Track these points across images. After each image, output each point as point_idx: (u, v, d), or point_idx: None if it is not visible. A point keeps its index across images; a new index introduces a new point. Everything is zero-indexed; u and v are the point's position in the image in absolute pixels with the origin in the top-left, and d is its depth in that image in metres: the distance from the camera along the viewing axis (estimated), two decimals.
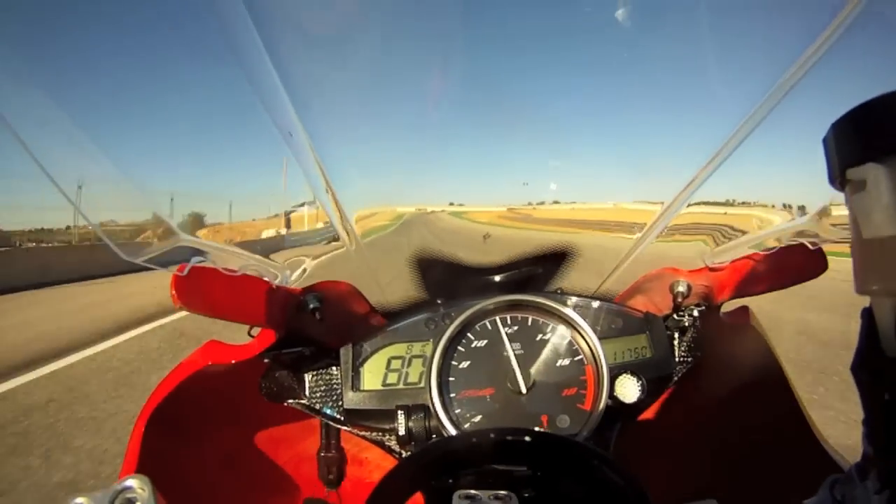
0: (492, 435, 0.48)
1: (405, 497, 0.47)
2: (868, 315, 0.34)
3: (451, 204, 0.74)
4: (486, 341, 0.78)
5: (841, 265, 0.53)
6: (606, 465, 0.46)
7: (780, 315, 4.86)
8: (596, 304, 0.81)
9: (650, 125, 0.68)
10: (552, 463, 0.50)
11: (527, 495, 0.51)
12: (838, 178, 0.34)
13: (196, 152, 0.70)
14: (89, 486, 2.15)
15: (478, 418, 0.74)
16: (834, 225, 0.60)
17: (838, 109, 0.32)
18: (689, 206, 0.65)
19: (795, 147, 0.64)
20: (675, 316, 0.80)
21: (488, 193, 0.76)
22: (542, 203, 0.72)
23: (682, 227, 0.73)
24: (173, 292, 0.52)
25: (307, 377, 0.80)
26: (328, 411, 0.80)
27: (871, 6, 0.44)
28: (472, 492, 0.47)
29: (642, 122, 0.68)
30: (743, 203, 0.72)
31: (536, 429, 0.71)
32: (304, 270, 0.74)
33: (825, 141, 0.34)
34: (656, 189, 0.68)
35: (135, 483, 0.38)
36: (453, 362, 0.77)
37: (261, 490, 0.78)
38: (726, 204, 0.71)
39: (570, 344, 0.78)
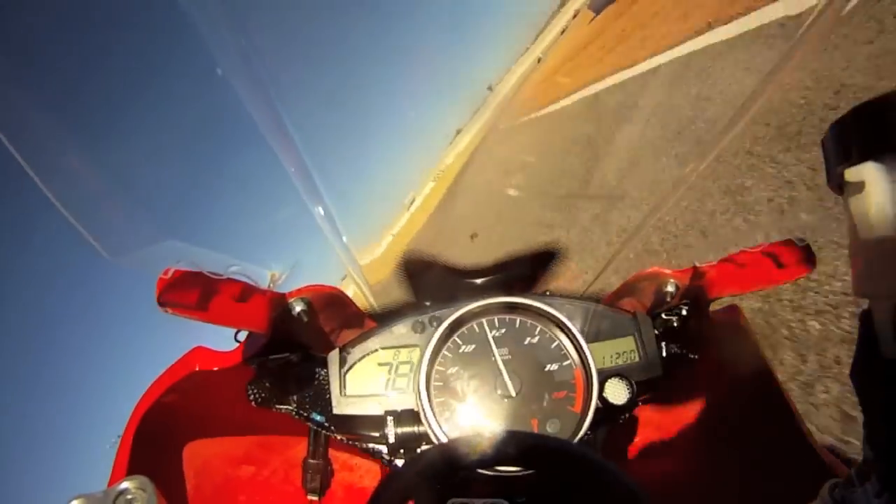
0: (486, 439, 0.47)
1: None
2: (866, 318, 0.34)
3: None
4: (473, 345, 0.77)
5: None
6: (605, 470, 0.44)
7: None
8: (584, 305, 0.80)
9: None
10: (549, 467, 0.49)
11: (519, 501, 0.50)
12: (836, 180, 0.34)
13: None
14: None
15: (467, 423, 0.73)
16: None
17: None
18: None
19: None
20: (663, 316, 0.79)
21: None
22: None
23: None
24: (158, 296, 0.52)
25: (295, 383, 0.79)
26: (316, 417, 0.78)
27: None
28: (465, 500, 0.46)
29: None
30: None
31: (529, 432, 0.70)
32: (291, 273, 0.74)
33: (824, 142, 0.35)
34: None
35: (135, 484, 0.38)
36: (441, 367, 0.76)
37: (247, 498, 0.77)
38: None
39: (559, 347, 0.77)
